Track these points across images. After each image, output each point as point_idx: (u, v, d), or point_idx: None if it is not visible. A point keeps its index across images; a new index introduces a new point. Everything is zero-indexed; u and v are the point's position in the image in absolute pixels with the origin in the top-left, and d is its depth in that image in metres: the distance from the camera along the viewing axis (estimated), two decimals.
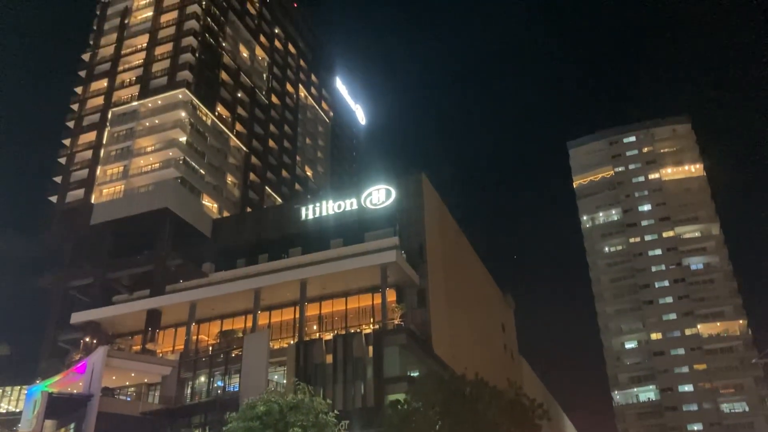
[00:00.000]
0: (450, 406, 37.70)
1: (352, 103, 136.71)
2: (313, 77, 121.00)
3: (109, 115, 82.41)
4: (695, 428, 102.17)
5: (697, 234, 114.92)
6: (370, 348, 47.09)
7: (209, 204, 77.04)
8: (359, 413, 42.34)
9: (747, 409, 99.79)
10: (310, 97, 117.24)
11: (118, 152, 79.54)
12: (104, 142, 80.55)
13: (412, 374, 46.27)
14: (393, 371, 46.07)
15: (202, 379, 51.24)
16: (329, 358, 47.37)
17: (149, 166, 76.80)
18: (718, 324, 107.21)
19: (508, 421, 40.23)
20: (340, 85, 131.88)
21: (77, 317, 56.46)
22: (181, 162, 75.76)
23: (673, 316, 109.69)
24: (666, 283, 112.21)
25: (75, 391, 47.99)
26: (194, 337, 54.82)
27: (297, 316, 51.74)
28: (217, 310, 54.83)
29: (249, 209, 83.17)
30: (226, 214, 77.89)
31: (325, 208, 56.73)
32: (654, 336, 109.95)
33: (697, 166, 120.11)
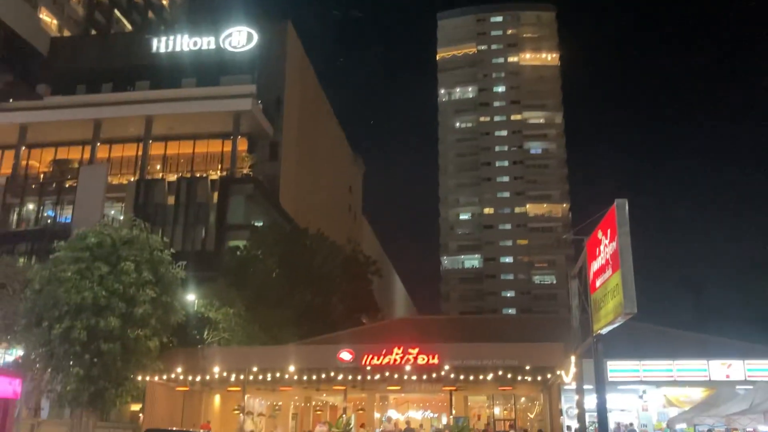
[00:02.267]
0: (288, 256, 38.84)
1: None
2: None
3: None
4: (508, 294, 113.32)
5: (541, 120, 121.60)
6: (215, 194, 46.67)
7: (47, 19, 69.34)
8: (197, 256, 42.46)
9: (554, 281, 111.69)
10: None
11: None
12: None
13: (255, 224, 46.70)
14: (236, 219, 46.22)
15: (31, 206, 48.53)
16: (171, 200, 46.46)
17: None
18: (545, 206, 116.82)
19: (343, 274, 42.35)
20: None
21: None
22: None
23: (506, 194, 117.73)
24: (505, 163, 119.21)
25: None
26: (24, 162, 51.15)
27: (140, 153, 49.63)
28: (51, 137, 51.09)
29: (94, 32, 76.01)
30: (67, 34, 70.74)
31: (180, 43, 53.04)
32: (486, 210, 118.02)
33: (554, 55, 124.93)
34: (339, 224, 66.20)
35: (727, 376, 25.63)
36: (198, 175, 48.51)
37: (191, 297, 31.40)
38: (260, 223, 46.85)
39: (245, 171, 49.12)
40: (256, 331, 32.34)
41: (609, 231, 14.09)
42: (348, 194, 78.94)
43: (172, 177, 48.48)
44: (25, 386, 23.01)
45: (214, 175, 48.58)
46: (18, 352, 28.58)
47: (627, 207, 13.52)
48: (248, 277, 35.95)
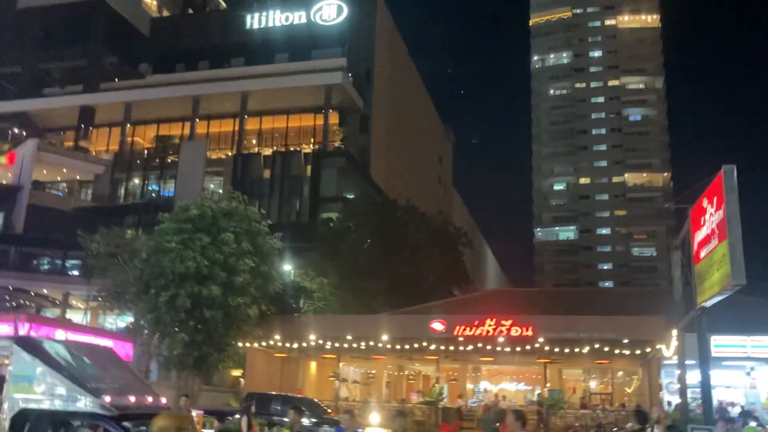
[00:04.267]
0: (380, 227, 39.19)
1: None
2: None
3: None
4: (605, 267, 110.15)
5: (641, 86, 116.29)
6: (308, 167, 47.58)
7: (148, 0, 72.15)
8: (292, 227, 43.55)
9: (654, 254, 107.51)
10: None
11: None
12: None
13: (347, 196, 47.37)
14: (329, 192, 47.03)
15: (136, 181, 51.16)
16: (267, 174, 47.78)
17: None
18: (644, 175, 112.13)
19: (433, 246, 42.34)
20: None
21: (5, 106, 54.01)
22: None
23: (603, 163, 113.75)
24: (603, 131, 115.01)
25: (3, 182, 47.29)
26: (129, 139, 53.85)
27: (236, 128, 51.17)
28: (153, 114, 53.47)
29: (190, 11, 78.47)
30: (166, 13, 73.42)
31: (272, 18, 54.00)
32: (582, 180, 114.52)
33: (654, 16, 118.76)
34: (429, 195, 66.09)
35: None
36: (292, 148, 49.57)
37: (287, 267, 32.30)
38: (352, 195, 47.46)
39: (336, 144, 49.75)
40: (349, 300, 32.96)
41: (715, 199, 13.35)
42: (438, 165, 78.58)
43: (267, 151, 49.79)
44: (135, 350, 24.41)
45: (307, 148, 49.50)
46: (128, 319, 30.39)
47: (735, 173, 12.75)
48: (341, 248, 36.58)
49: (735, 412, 23.06)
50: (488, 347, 25.76)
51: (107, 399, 7.65)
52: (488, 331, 25.08)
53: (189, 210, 23.68)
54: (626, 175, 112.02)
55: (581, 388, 31.70)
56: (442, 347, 26.31)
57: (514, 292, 47.73)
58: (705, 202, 14.23)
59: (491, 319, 25.10)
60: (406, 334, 26.22)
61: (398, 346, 26.49)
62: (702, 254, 14.74)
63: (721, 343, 24.79)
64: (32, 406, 7.67)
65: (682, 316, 18.57)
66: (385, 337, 25.69)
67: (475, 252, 69.86)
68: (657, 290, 36.20)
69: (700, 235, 14.88)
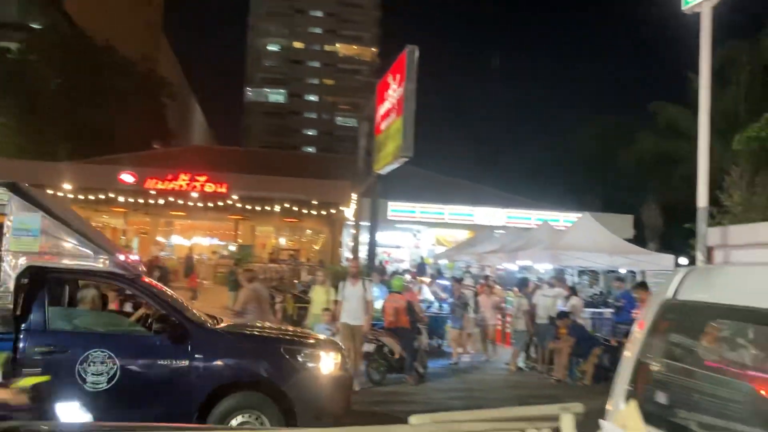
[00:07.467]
0: (71, 67, 35.30)
1: None
2: None
3: None
4: (310, 133, 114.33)
5: None
6: None
7: None
8: None
9: (357, 124, 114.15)
10: None
11: None
12: None
13: (32, 25, 41.37)
14: (8, 17, 40.70)
15: None
16: None
17: None
18: (355, 47, 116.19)
19: (133, 94, 39.60)
20: None
21: None
22: None
23: (318, 30, 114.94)
24: None
25: None
26: None
27: None
28: None
29: None
30: None
31: None
32: (297, 45, 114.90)
33: None
34: (134, 39, 60.58)
35: (490, 222, 28.73)
36: None
37: None
38: (38, 25, 41.57)
39: None
40: (27, 144, 29.74)
41: (398, 76, 14.40)
42: (147, 7, 72.13)
43: None
44: None
45: None
46: None
47: (416, 53, 13.80)
48: (20, 85, 32.33)
49: (395, 267, 26.51)
50: (181, 202, 25.58)
51: (121, 258, 6.45)
52: (181, 186, 24.84)
53: None
54: (338, 45, 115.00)
55: (271, 245, 33.39)
56: (132, 200, 25.45)
57: (215, 149, 47.44)
58: (390, 78, 15.28)
59: (185, 174, 24.84)
60: (92, 184, 24.80)
61: (82, 197, 24.92)
62: (382, 126, 15.99)
63: (396, 209, 27.99)
64: (38, 263, 6.14)
65: (363, 182, 20.26)
66: (67, 186, 23.93)
67: (181, 106, 67.14)
68: (349, 158, 38.81)
69: (382, 109, 16.06)
